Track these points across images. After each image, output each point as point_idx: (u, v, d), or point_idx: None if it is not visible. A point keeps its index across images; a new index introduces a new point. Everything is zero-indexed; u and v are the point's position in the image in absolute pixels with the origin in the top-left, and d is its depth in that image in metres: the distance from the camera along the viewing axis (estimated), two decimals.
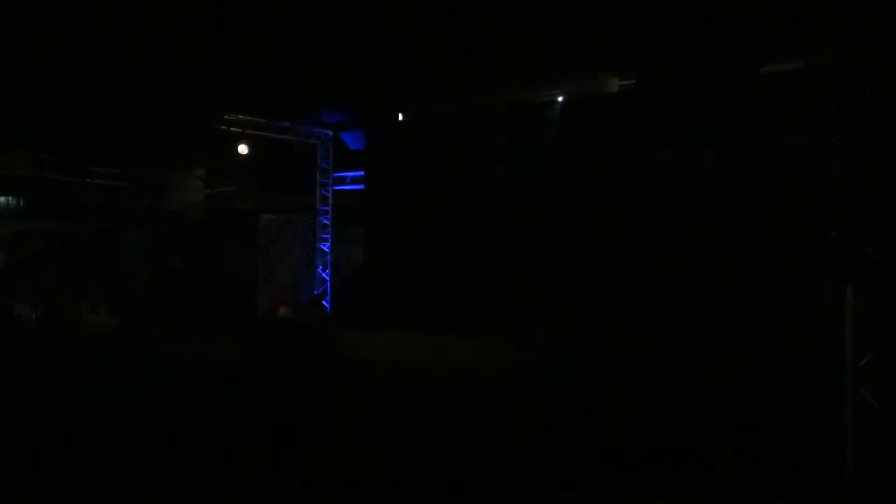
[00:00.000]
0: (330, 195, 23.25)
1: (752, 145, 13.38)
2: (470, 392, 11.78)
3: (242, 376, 12.70)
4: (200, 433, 8.95)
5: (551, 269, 15.79)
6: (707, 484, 7.08)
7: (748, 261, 13.54)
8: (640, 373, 11.53)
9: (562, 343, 14.00)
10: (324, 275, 23.02)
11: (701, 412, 9.70)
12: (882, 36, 6.46)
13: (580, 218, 15.47)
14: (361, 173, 22.13)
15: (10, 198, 30.26)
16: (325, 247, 23.13)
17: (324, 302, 22.81)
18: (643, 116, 14.73)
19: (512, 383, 12.35)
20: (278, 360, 13.70)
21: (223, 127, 21.45)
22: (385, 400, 11.12)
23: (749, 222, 13.61)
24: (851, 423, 6.41)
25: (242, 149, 22.08)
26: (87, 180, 28.51)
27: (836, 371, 6.73)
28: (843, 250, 6.92)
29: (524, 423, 9.64)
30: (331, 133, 22.90)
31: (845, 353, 6.57)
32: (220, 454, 7.98)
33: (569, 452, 8.19)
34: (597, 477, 7.36)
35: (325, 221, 23.21)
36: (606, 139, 15.21)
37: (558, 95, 16.29)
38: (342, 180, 23.39)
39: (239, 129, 21.65)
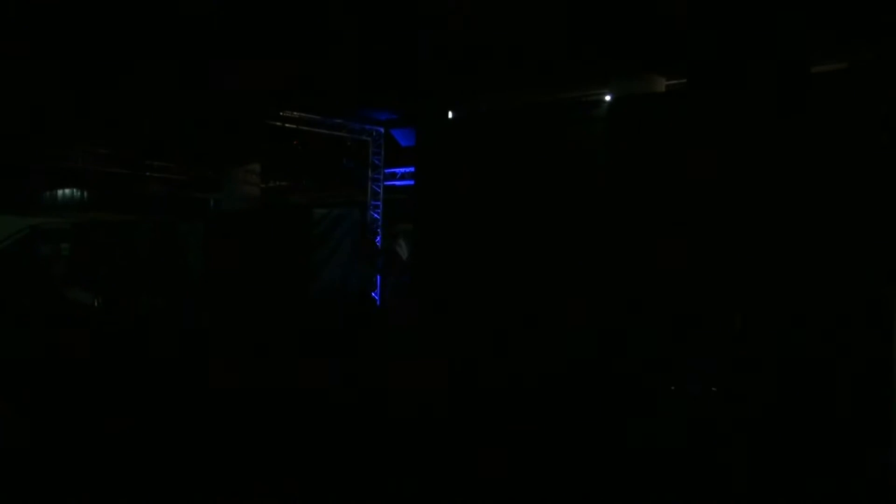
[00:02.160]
0: (381, 190, 23.71)
1: (799, 145, 13.38)
2: None
3: None
4: None
5: (598, 267, 15.95)
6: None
7: (800, 259, 13.53)
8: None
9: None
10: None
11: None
12: None
13: (627, 217, 15.61)
14: (411, 169, 22.51)
15: (73, 190, 31.31)
16: (377, 241, 23.58)
17: (373, 294, 23.27)
18: (691, 116, 14.82)
19: None
20: None
21: (278, 123, 22.05)
22: None
23: (799, 220, 13.61)
24: None
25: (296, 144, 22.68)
26: (147, 174, 29.45)
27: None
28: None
29: None
30: (382, 130, 23.35)
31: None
32: None
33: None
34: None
35: (376, 216, 23.67)
36: (653, 138, 15.31)
37: (605, 94, 16.46)
38: (393, 176, 23.84)
39: (293, 126, 22.23)
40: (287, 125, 22.16)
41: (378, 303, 23.03)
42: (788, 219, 13.54)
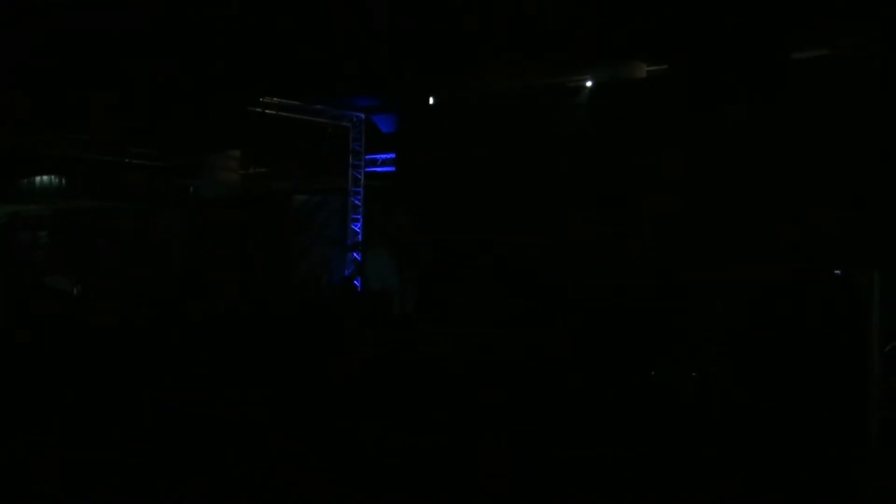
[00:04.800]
0: (362, 177, 23.59)
1: (778, 131, 13.42)
2: None
3: None
4: None
5: (576, 253, 15.97)
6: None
7: (780, 245, 13.58)
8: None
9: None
10: (356, 255, 23.37)
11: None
12: None
13: (607, 202, 15.63)
14: (392, 155, 22.41)
15: (52, 177, 30.93)
16: (357, 227, 23.48)
17: (355, 282, 23.16)
18: (671, 102, 14.82)
19: None
20: None
21: (258, 109, 21.82)
22: None
23: (779, 205, 13.66)
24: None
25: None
26: (126, 160, 29.10)
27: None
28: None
29: None
30: (363, 116, 23.20)
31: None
32: None
33: None
34: None
35: (357, 202, 23.55)
36: (634, 124, 15.31)
37: (587, 80, 16.41)
38: (374, 162, 23.71)
39: (273, 112, 22.02)
40: (267, 111, 21.93)
41: (359, 286, 22.91)
42: (768, 205, 13.60)
